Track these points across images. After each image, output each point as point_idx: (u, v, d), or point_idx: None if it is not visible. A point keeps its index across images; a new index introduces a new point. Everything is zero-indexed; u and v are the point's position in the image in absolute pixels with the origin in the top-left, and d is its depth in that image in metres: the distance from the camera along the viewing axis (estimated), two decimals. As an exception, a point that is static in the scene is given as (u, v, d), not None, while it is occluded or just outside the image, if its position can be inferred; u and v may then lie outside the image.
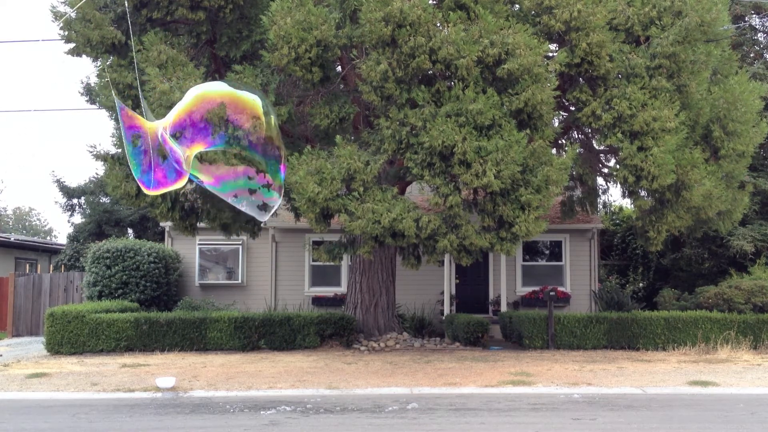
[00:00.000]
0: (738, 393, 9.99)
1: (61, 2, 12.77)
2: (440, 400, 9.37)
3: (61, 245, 29.02)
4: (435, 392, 9.97)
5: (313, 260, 18.77)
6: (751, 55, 21.36)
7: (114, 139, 13.97)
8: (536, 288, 18.73)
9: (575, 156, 13.38)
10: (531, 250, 19.52)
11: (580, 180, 15.25)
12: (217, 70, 13.93)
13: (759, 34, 21.99)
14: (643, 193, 13.37)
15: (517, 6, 13.01)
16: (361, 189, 11.55)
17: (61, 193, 27.01)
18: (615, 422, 7.97)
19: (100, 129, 69.59)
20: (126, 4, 12.43)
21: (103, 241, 18.62)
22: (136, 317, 14.65)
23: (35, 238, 36.40)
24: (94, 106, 16.19)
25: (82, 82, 15.53)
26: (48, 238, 46.02)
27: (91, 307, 15.21)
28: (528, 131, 11.68)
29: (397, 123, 11.61)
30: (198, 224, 14.88)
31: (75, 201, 27.28)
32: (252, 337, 14.68)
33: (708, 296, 15.78)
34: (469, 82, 11.41)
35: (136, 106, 12.27)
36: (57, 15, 12.66)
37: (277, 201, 4.26)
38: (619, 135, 12.31)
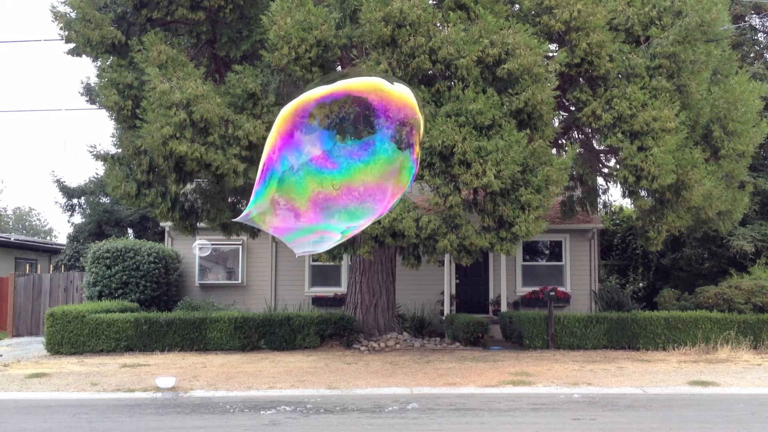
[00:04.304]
0: (738, 393, 9.99)
1: (61, 2, 12.77)
2: (440, 400, 9.37)
3: (61, 245, 29.02)
4: (435, 392, 9.96)
5: (313, 260, 18.77)
6: (751, 55, 21.36)
7: (114, 139, 13.96)
8: (536, 288, 18.73)
9: (575, 156, 13.38)
10: (531, 250, 19.52)
11: (580, 180, 15.25)
12: (217, 70, 13.93)
13: (759, 34, 21.99)
14: (643, 193, 13.37)
15: (517, 6, 13.01)
16: (361, 189, 11.54)
17: (61, 193, 27.01)
18: (615, 422, 7.96)
19: (100, 129, 69.61)
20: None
21: (103, 241, 18.61)
22: (136, 317, 14.65)
23: (35, 238, 36.40)
24: (94, 106, 16.19)
25: (82, 82, 15.51)
26: (48, 238, 46.01)
27: (91, 307, 15.20)
28: (528, 131, 11.68)
29: (397, 123, 11.60)
30: (198, 224, 14.88)
31: (75, 201, 27.28)
32: (252, 337, 14.67)
33: (708, 296, 15.78)
34: (469, 82, 11.41)
35: (136, 106, 12.29)
36: (57, 15, 12.65)
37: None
38: (619, 135, 12.31)
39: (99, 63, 13.25)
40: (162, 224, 19.35)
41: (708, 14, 12.39)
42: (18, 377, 11.52)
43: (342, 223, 3.18)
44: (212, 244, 18.86)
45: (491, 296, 19.15)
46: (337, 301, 18.39)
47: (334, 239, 3.29)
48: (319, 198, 3.04)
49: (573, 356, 13.57)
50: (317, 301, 18.90)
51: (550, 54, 13.04)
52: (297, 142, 3.00)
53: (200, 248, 6.61)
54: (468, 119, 11.18)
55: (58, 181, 26.85)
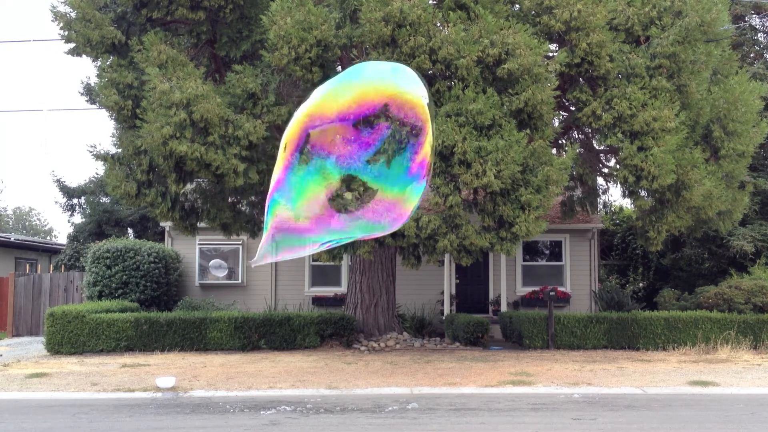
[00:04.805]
0: (738, 393, 9.99)
1: (61, 2, 12.77)
2: (440, 400, 9.37)
3: (61, 245, 29.01)
4: (435, 392, 9.96)
5: (314, 260, 18.77)
6: (751, 55, 21.36)
7: (114, 139, 13.95)
8: (536, 288, 18.73)
9: (575, 156, 13.38)
10: (531, 250, 19.52)
11: (580, 180, 15.25)
12: (217, 70, 13.93)
13: (759, 34, 21.99)
14: (643, 193, 13.37)
15: (517, 6, 13.01)
16: (362, 189, 11.55)
17: (61, 193, 27.02)
18: (615, 422, 7.96)
19: (100, 129, 69.62)
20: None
21: (103, 241, 18.61)
22: (136, 317, 14.65)
23: (35, 238, 36.38)
24: (94, 106, 16.19)
25: (82, 82, 15.53)
26: (48, 238, 45.99)
27: (91, 307, 15.20)
28: (528, 131, 11.68)
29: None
30: (198, 224, 14.88)
31: (75, 201, 27.28)
32: (252, 337, 14.67)
33: (708, 296, 15.78)
34: (469, 82, 11.41)
35: (136, 106, 12.30)
36: (57, 15, 12.65)
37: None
38: (619, 135, 12.31)
39: (99, 63, 13.25)
40: (162, 224, 19.35)
41: (708, 14, 12.39)
42: (18, 377, 11.52)
43: (340, 234, 3.19)
44: (214, 245, 18.87)
45: (491, 296, 19.16)
46: (337, 301, 18.39)
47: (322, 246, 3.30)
48: (322, 215, 3.04)
49: (573, 356, 13.57)
50: (317, 301, 18.90)
51: (550, 54, 13.03)
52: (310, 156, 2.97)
53: (218, 267, 6.78)
54: (468, 119, 11.18)
55: (58, 181, 26.86)
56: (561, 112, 14.56)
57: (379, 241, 12.14)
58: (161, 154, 11.81)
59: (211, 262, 7.10)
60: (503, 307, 17.65)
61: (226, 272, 6.79)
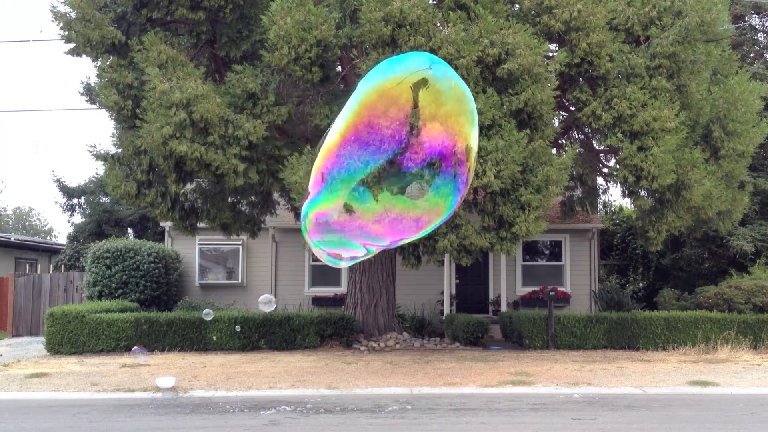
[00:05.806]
0: (738, 393, 9.99)
1: (61, 2, 12.77)
2: (440, 400, 9.36)
3: (61, 245, 29.01)
4: (435, 392, 9.96)
5: (313, 260, 18.76)
6: (751, 55, 21.36)
7: (114, 139, 13.95)
8: (536, 288, 18.73)
9: (575, 156, 13.38)
10: (531, 250, 19.52)
11: (580, 180, 15.25)
12: (217, 70, 13.93)
13: (759, 34, 21.99)
14: (643, 193, 13.37)
15: (517, 6, 13.02)
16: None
17: (61, 193, 27.02)
18: (615, 422, 7.96)
19: (100, 129, 69.64)
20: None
21: (103, 241, 18.61)
22: (136, 317, 14.65)
23: (35, 238, 36.37)
24: (94, 106, 16.16)
25: (82, 82, 15.52)
26: (48, 238, 45.98)
27: (91, 307, 15.20)
28: (528, 131, 11.69)
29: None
30: (198, 224, 14.89)
31: (75, 201, 27.29)
32: (252, 337, 14.67)
33: (708, 296, 15.77)
34: (469, 82, 11.40)
35: (136, 106, 12.30)
36: (57, 15, 12.65)
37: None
38: (619, 135, 12.31)
39: (99, 63, 13.25)
40: (162, 224, 19.35)
41: (708, 14, 12.39)
42: (18, 377, 11.51)
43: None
44: (214, 245, 18.88)
45: (491, 296, 19.15)
46: (337, 301, 18.39)
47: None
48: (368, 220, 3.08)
49: (573, 356, 13.57)
50: (317, 301, 18.90)
51: (550, 54, 13.04)
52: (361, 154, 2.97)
53: (267, 302, 6.78)
54: (468, 119, 11.17)
55: (58, 181, 26.87)
56: (561, 112, 14.57)
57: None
58: (161, 154, 11.81)
59: (261, 298, 7.14)
60: (503, 307, 17.64)
61: (274, 307, 6.79)
